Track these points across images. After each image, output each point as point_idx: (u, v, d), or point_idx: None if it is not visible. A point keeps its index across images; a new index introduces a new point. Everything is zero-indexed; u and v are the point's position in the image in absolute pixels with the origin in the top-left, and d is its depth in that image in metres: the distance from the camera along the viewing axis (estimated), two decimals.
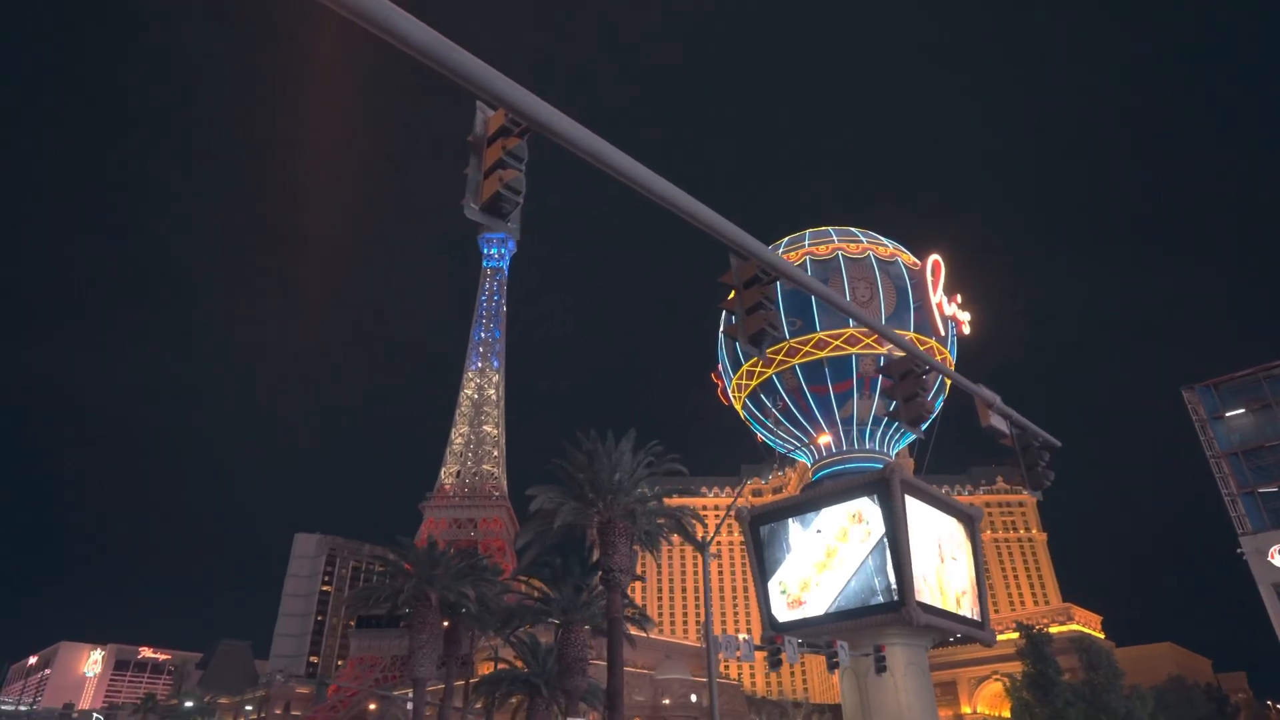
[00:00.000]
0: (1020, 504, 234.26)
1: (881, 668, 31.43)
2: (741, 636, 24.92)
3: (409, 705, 40.09)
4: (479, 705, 44.33)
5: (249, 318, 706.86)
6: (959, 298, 64.61)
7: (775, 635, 28.29)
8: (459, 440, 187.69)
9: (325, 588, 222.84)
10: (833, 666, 29.63)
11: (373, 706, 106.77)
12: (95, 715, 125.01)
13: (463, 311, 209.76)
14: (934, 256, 63.82)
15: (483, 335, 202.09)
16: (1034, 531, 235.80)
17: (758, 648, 26.54)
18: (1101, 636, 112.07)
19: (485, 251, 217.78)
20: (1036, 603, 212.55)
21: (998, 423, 12.86)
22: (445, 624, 40.12)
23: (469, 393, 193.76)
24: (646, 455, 32.51)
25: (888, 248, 66.22)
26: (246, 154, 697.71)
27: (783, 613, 58.79)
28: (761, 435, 72.39)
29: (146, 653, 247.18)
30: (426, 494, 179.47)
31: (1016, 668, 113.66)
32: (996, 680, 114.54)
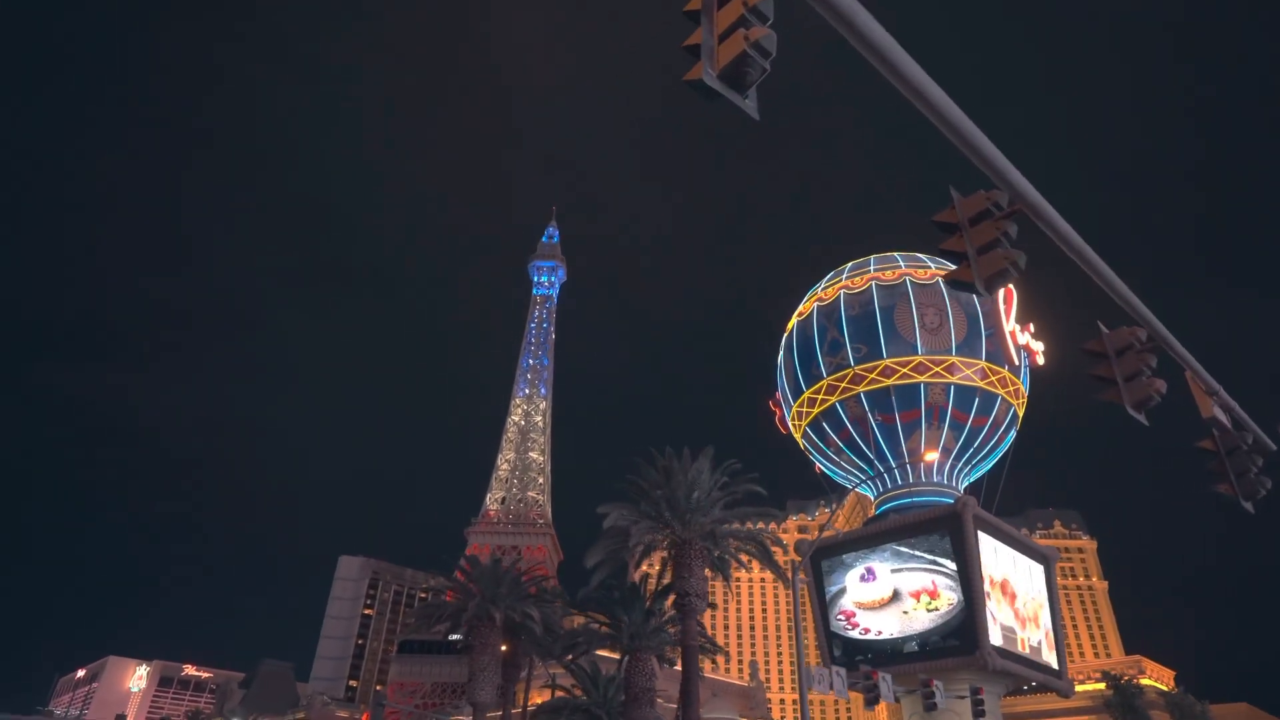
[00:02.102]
0: (1080, 550, 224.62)
1: (980, 712, 29.16)
2: (835, 670, 23.25)
3: None
4: None
5: (301, 343, 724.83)
6: (1032, 327, 62.20)
7: (870, 670, 26.37)
8: (505, 466, 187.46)
9: (367, 611, 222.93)
10: (930, 707, 27.50)
11: None
12: None
13: (513, 338, 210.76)
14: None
15: (531, 362, 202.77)
16: (1094, 579, 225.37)
17: (852, 685, 24.68)
18: (1175, 692, 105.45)
19: (535, 279, 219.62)
20: (1098, 655, 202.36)
21: (1220, 415, 11.42)
22: (504, 647, 38.68)
23: (516, 419, 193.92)
24: (721, 475, 31.05)
25: None
26: (305, 182, 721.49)
27: (846, 639, 56.15)
28: (820, 465, 70.14)
29: (190, 670, 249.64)
30: (471, 519, 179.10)
31: None
32: None
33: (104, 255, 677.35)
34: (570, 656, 39.74)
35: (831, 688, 22.85)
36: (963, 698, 32.64)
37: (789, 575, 27.90)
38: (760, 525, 32.76)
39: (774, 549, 31.70)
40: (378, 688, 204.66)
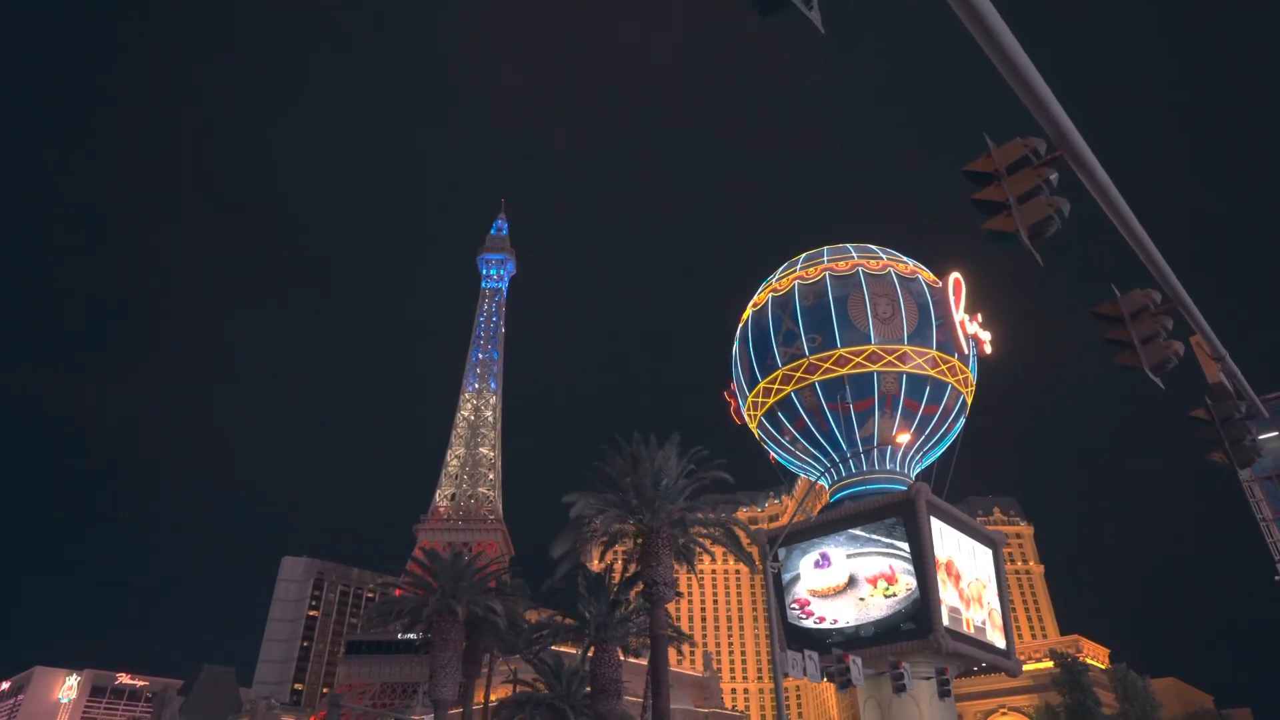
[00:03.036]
0: (1018, 535, 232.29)
1: (945, 692, 29.52)
2: (808, 654, 23.18)
3: None
4: None
5: (237, 338, 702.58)
6: (979, 317, 63.62)
7: (842, 654, 26.39)
8: (454, 462, 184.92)
9: (312, 612, 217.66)
10: (899, 689, 27.59)
11: None
12: None
13: (463, 333, 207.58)
14: (954, 275, 62.84)
15: (480, 357, 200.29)
16: (1031, 564, 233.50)
17: (826, 670, 24.66)
18: (1107, 668, 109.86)
19: (484, 273, 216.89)
20: (1035, 636, 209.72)
21: (1225, 381, 11.50)
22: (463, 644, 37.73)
23: (465, 414, 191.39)
24: (688, 462, 30.73)
25: (908, 265, 65.22)
26: (243, 175, 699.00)
27: (801, 629, 56.67)
28: (775, 455, 70.68)
29: (124, 679, 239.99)
30: (421, 516, 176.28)
31: (1024, 701, 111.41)
32: (1004, 714, 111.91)
33: (38, 250, 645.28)
34: (535, 650, 39.00)
35: (805, 672, 22.80)
36: (929, 678, 33.13)
37: (756, 563, 27.82)
38: (725, 513, 32.66)
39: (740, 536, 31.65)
40: (324, 690, 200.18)
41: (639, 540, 30.02)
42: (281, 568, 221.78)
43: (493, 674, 42.39)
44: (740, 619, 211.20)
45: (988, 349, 63.27)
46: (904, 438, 56.02)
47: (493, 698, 45.97)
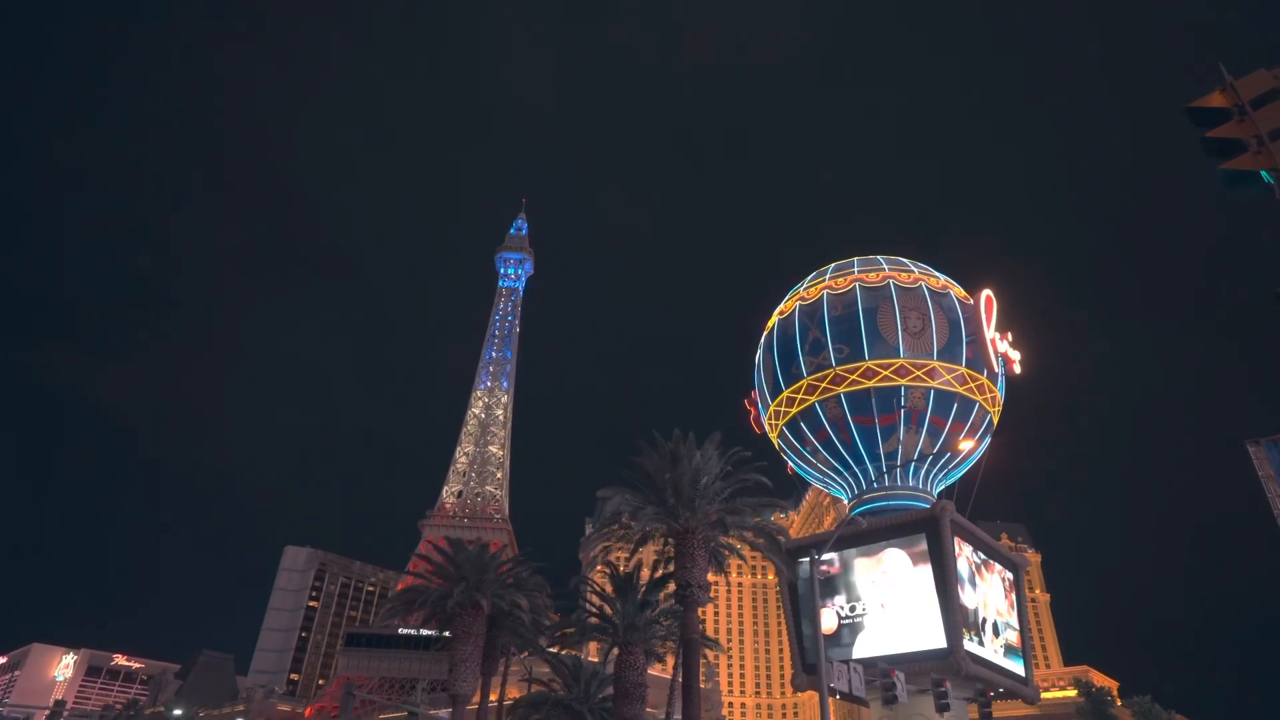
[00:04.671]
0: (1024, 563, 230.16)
1: (944, 706, 28.39)
2: (853, 666, 22.28)
3: None
4: None
5: (249, 327, 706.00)
6: (1010, 335, 62.63)
7: (889, 668, 25.44)
8: (463, 459, 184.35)
9: (312, 603, 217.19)
10: (889, 700, 26.44)
11: None
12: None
13: (479, 330, 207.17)
14: (986, 292, 61.92)
15: (494, 355, 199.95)
16: (1037, 592, 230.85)
17: (870, 684, 23.71)
18: (1119, 703, 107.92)
19: (502, 271, 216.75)
20: (1038, 667, 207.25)
21: None
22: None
23: (476, 412, 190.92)
24: (726, 464, 29.87)
25: (939, 279, 64.27)
26: (259, 163, 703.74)
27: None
28: (794, 466, 69.67)
29: (120, 660, 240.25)
30: (427, 512, 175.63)
31: None
32: None
33: (52, 232, 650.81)
34: (557, 648, 38.11)
35: (850, 686, 21.89)
36: (966, 699, 32.09)
37: (788, 572, 26.90)
38: (764, 517, 31.76)
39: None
40: (320, 682, 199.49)
41: (669, 541, 29.16)
42: (283, 557, 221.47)
43: (508, 672, 41.48)
44: (741, 633, 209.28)
45: (1017, 368, 62.29)
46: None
47: (508, 696, 44.98)
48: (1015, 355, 62.17)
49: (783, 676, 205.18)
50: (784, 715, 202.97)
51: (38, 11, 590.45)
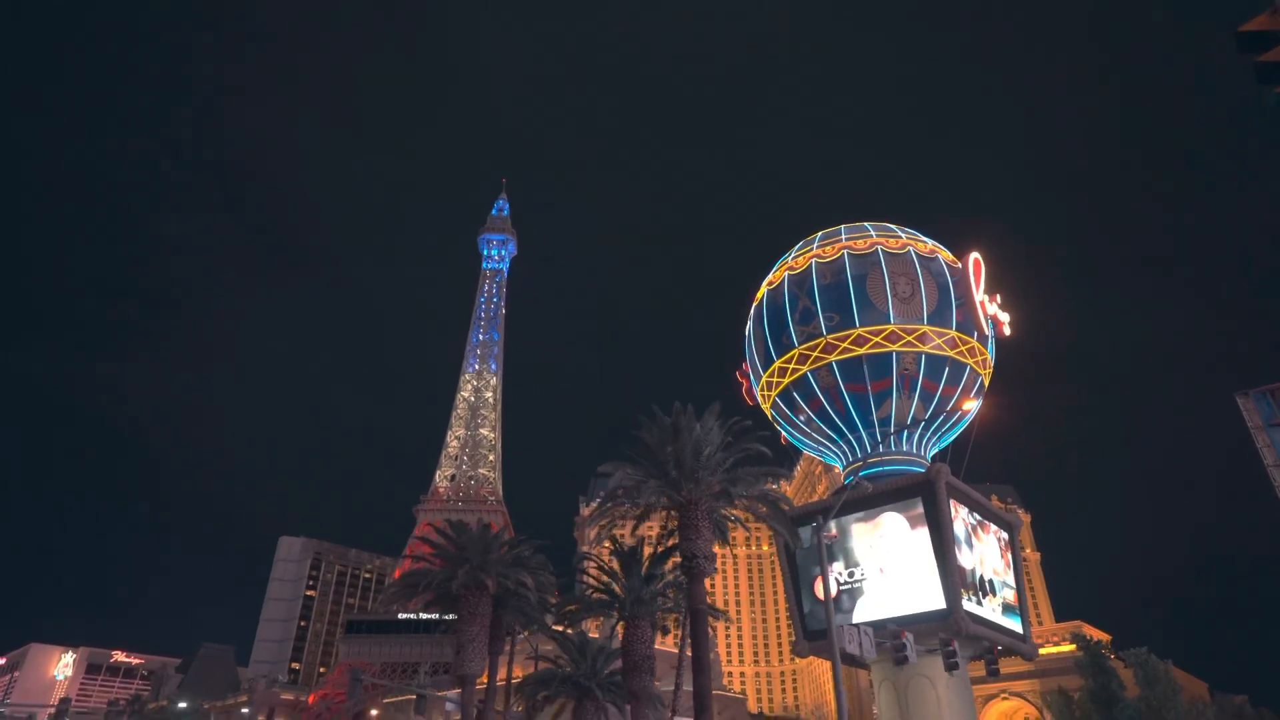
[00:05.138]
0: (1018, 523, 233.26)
1: (953, 664, 28.75)
2: (863, 629, 22.39)
3: (450, 706, 36.84)
4: (518, 708, 40.95)
5: (240, 321, 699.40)
6: (999, 297, 62.74)
7: (899, 630, 25.62)
8: (454, 443, 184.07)
9: (310, 592, 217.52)
10: (900, 661, 26.71)
11: (374, 713, 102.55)
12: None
13: (460, 316, 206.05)
14: (974, 255, 61.90)
15: (481, 338, 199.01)
16: (1028, 552, 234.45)
17: (880, 646, 23.85)
18: (1112, 657, 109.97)
19: (485, 253, 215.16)
20: (1032, 625, 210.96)
21: None
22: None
23: (465, 395, 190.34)
24: (727, 434, 29.78)
25: (927, 244, 64.13)
26: (244, 158, 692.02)
27: (819, 620, 56.26)
28: (787, 436, 69.87)
29: (120, 657, 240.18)
30: (421, 497, 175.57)
31: (1026, 686, 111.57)
32: (1005, 699, 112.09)
33: (46, 233, 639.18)
34: (563, 626, 38.18)
35: (861, 649, 22.02)
36: (973, 657, 32.42)
37: (791, 540, 26.97)
38: (767, 486, 31.75)
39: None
40: (321, 670, 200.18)
41: (671, 513, 29.13)
42: (279, 547, 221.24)
43: (514, 651, 41.56)
44: (738, 603, 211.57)
45: (1007, 330, 62.51)
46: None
47: (514, 675, 45.14)
48: (1005, 317, 62.35)
49: (780, 645, 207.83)
50: (782, 683, 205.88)
51: (33, 12, 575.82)
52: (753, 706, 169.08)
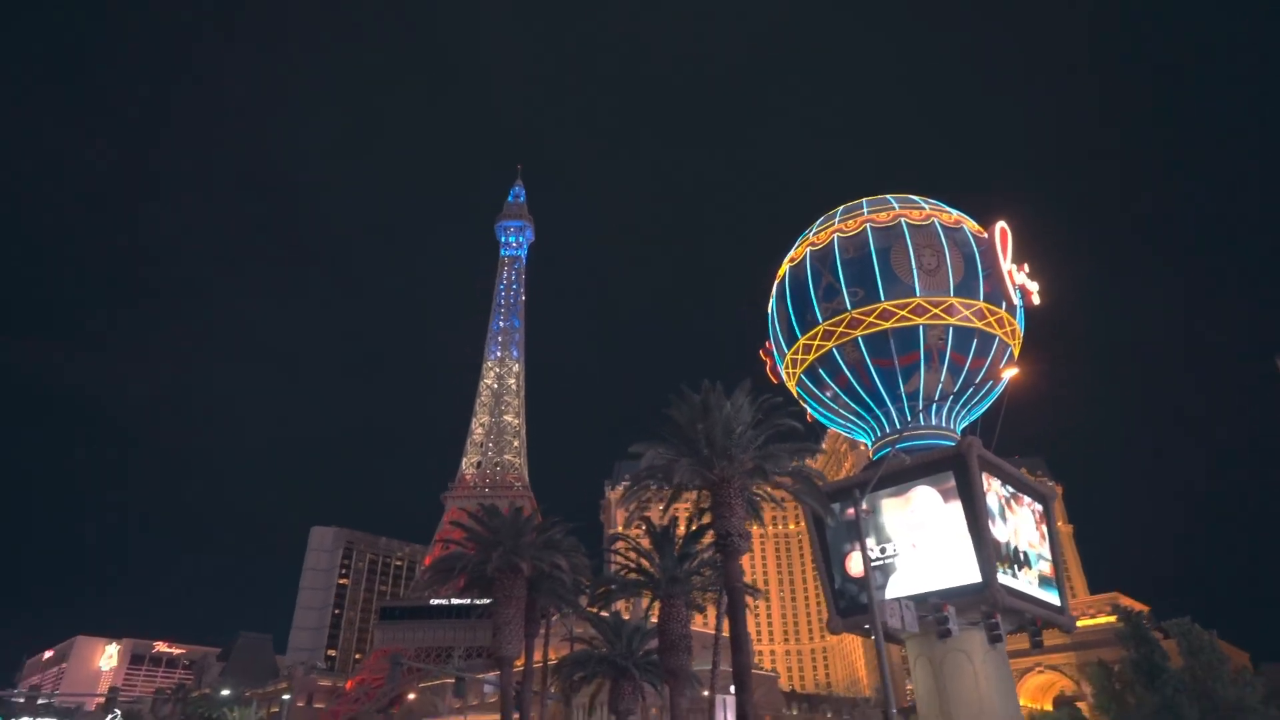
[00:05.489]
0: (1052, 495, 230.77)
1: (996, 636, 28.38)
2: (904, 603, 22.12)
3: (489, 687, 37.11)
4: (554, 689, 41.33)
5: (265, 315, 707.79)
6: (1026, 267, 61.54)
7: (941, 603, 25.29)
8: (479, 430, 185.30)
9: (342, 581, 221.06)
10: (943, 634, 26.38)
11: (412, 696, 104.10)
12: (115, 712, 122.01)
13: (484, 303, 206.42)
14: (1000, 224, 60.72)
15: (501, 325, 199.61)
16: (1060, 523, 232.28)
17: (922, 618, 23.56)
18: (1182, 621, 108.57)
19: (503, 240, 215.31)
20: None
21: None
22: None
23: (489, 383, 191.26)
24: (757, 411, 29.50)
25: (952, 214, 62.96)
26: (256, 152, 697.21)
27: (851, 597, 55.91)
28: (813, 414, 69.34)
29: (161, 647, 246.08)
30: (449, 484, 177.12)
31: (1061, 659, 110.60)
32: (1041, 673, 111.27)
33: (55, 228, 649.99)
34: (595, 608, 38.30)
35: (903, 622, 21.75)
36: (1014, 630, 32.00)
37: (826, 515, 26.69)
38: (799, 462, 31.50)
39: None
40: (357, 656, 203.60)
41: (703, 492, 28.95)
42: (311, 537, 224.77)
43: (549, 633, 41.80)
44: (766, 582, 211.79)
45: (1036, 299, 61.31)
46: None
47: (550, 657, 45.44)
48: (1033, 286, 61.11)
49: (810, 623, 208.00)
50: (813, 660, 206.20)
51: (24, 4, 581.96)
52: (784, 684, 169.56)
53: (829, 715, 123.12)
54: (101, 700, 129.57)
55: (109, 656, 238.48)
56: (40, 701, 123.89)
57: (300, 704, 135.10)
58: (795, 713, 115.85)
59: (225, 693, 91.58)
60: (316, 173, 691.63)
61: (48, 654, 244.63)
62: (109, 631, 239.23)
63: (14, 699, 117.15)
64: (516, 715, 35.65)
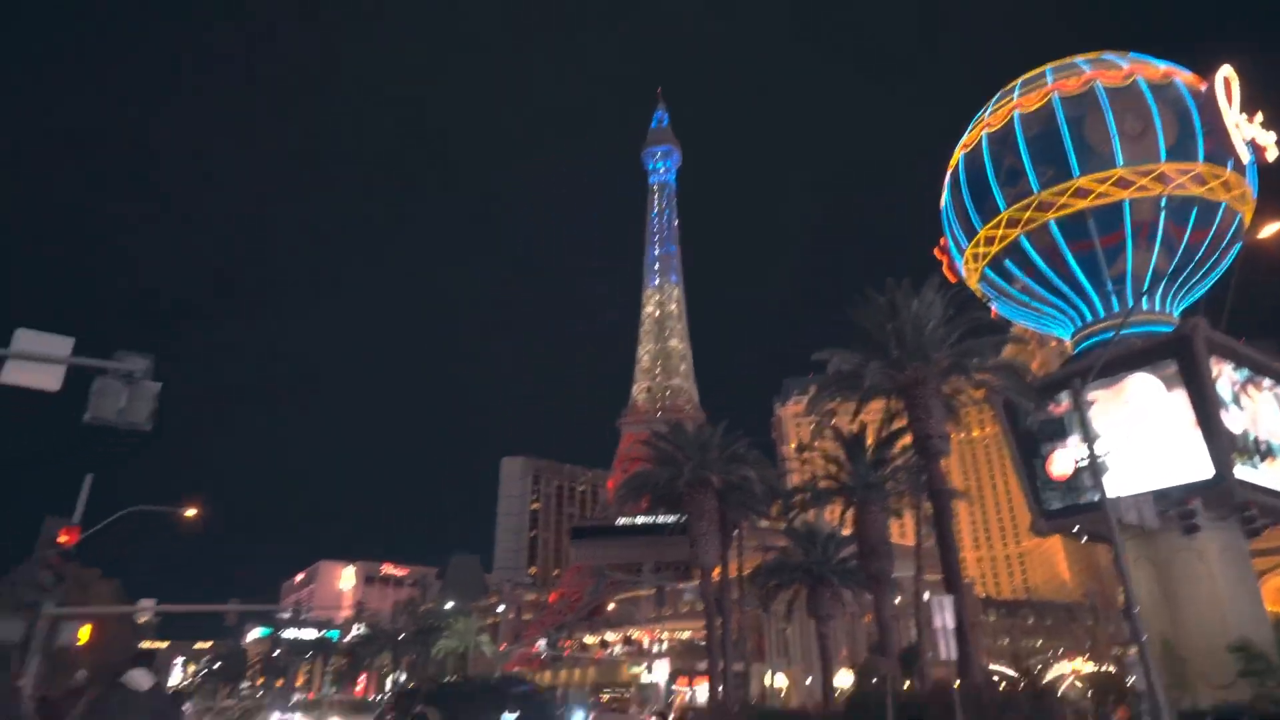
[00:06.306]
0: None
1: (1254, 530, 25.52)
2: (1141, 498, 20.47)
3: (689, 595, 38.98)
4: (750, 597, 42.75)
5: (455, 264, 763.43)
6: (1260, 116, 52.81)
7: (1187, 496, 23.36)
8: (646, 357, 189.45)
9: (535, 505, 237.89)
10: (1189, 529, 23.97)
11: (611, 606, 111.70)
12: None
13: (636, 230, 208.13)
14: (1224, 69, 52.20)
15: (658, 253, 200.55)
16: None
17: (1162, 512, 21.75)
18: None
19: (650, 167, 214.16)
20: None
21: None
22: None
23: (650, 310, 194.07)
24: (948, 306, 27.81)
25: (1159, 68, 54.91)
26: (399, 106, 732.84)
27: (1058, 498, 52.74)
28: (999, 309, 64.56)
29: (388, 569, 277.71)
30: (622, 411, 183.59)
31: None
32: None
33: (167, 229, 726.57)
34: (791, 515, 38.77)
35: (1141, 517, 20.15)
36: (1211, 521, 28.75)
37: (1032, 411, 24.84)
38: (996, 357, 29.57)
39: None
40: (555, 572, 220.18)
41: (892, 397, 27.92)
42: (502, 467, 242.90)
43: (743, 545, 42.93)
44: (977, 494, 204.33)
45: (1270, 155, 52.77)
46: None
47: (744, 568, 46.77)
48: (1268, 139, 52.55)
49: (1003, 529, 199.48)
50: (1008, 566, 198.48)
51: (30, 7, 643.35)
52: (979, 591, 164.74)
53: (1030, 620, 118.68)
54: (349, 613, 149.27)
55: (347, 577, 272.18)
56: (301, 617, 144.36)
57: (511, 615, 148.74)
58: (993, 618, 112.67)
59: (448, 605, 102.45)
60: (468, 126, 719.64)
61: (299, 576, 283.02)
62: (344, 556, 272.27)
63: (280, 615, 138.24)
64: (719, 619, 37.18)
